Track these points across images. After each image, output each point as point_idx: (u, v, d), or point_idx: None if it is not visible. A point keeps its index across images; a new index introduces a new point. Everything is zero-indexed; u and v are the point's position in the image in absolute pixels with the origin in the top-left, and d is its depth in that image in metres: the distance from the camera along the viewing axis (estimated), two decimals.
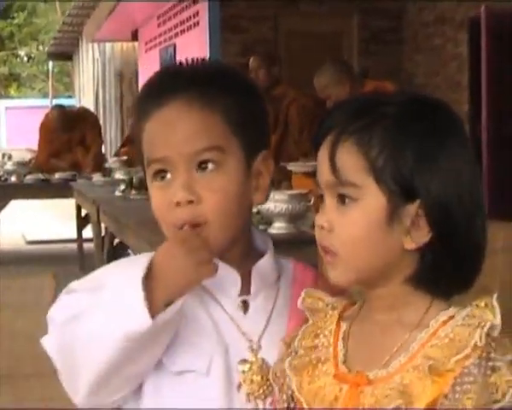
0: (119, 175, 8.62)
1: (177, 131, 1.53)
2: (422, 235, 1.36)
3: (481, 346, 1.31)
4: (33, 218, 14.00)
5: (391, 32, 11.51)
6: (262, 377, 1.52)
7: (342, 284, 1.45)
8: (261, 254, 1.62)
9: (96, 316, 1.46)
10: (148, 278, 1.42)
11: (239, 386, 1.52)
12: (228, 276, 1.57)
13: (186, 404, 1.51)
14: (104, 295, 1.48)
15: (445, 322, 1.37)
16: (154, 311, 1.39)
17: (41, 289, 7.98)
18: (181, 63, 1.66)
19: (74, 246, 10.21)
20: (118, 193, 7.51)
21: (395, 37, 11.50)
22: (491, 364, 1.31)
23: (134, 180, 7.68)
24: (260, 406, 1.52)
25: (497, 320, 1.33)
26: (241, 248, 1.60)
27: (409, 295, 1.41)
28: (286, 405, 1.47)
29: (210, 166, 1.50)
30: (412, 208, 1.35)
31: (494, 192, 8.04)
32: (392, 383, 1.35)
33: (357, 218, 1.38)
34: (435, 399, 1.31)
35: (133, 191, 7.33)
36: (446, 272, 1.39)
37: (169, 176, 1.55)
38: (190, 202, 1.49)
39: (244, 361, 1.53)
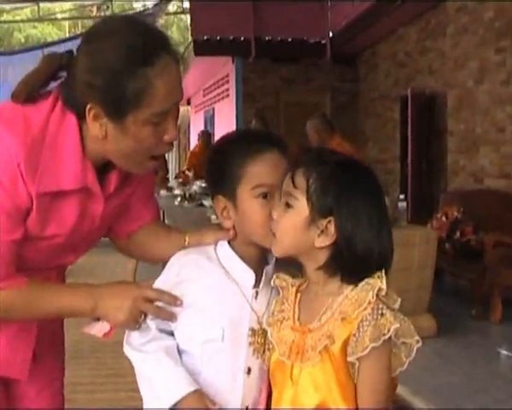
0: (177, 191, 8.60)
1: (280, 170, 1.49)
2: (327, 240, 1.38)
3: (373, 301, 1.35)
4: None
5: (350, 103, 11.50)
6: (263, 340, 1.50)
7: (278, 256, 1.49)
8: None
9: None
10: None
11: (250, 344, 1.50)
12: (248, 274, 1.53)
13: (211, 360, 1.50)
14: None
15: (352, 289, 1.39)
16: None
17: (127, 261, 7.96)
18: (255, 130, 1.64)
19: None
20: (176, 203, 7.51)
21: (352, 106, 11.48)
22: (380, 312, 1.34)
23: (186, 195, 7.70)
24: (260, 357, 1.50)
25: (384, 285, 1.36)
26: (263, 257, 1.57)
27: (325, 278, 1.42)
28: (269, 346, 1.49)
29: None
30: (324, 222, 1.38)
31: (414, 205, 8.04)
32: (322, 330, 1.38)
33: (290, 218, 1.41)
34: (348, 337, 1.34)
35: (186, 202, 7.35)
36: (344, 268, 1.40)
37: (268, 197, 1.49)
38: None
39: (252, 329, 1.50)
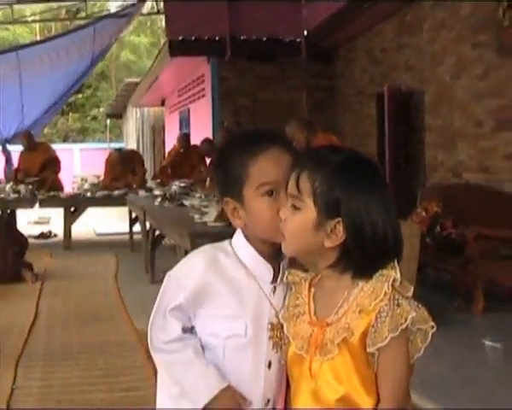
0: (156, 191, 8.61)
1: (283, 165, 1.49)
2: (337, 240, 1.39)
3: (389, 292, 1.37)
4: (101, 218, 13.78)
5: (327, 100, 11.51)
6: (282, 333, 1.51)
7: (287, 254, 1.50)
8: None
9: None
10: None
11: (269, 338, 1.51)
12: (266, 269, 1.53)
13: (234, 354, 1.51)
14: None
15: (367, 281, 1.40)
16: None
17: (108, 263, 8.14)
18: (256, 129, 1.64)
19: (127, 237, 10.00)
20: (156, 203, 7.46)
21: (330, 103, 11.49)
22: (396, 302, 1.36)
23: (167, 195, 7.71)
24: (279, 350, 1.52)
25: (398, 275, 1.38)
26: (278, 252, 1.53)
27: (337, 275, 1.44)
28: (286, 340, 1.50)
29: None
30: (332, 223, 1.38)
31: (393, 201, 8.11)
32: (340, 323, 1.40)
33: (297, 220, 1.42)
34: (366, 328, 1.36)
35: (166, 202, 7.35)
36: (355, 266, 1.41)
37: (274, 194, 1.49)
38: None
39: (272, 324, 1.51)
